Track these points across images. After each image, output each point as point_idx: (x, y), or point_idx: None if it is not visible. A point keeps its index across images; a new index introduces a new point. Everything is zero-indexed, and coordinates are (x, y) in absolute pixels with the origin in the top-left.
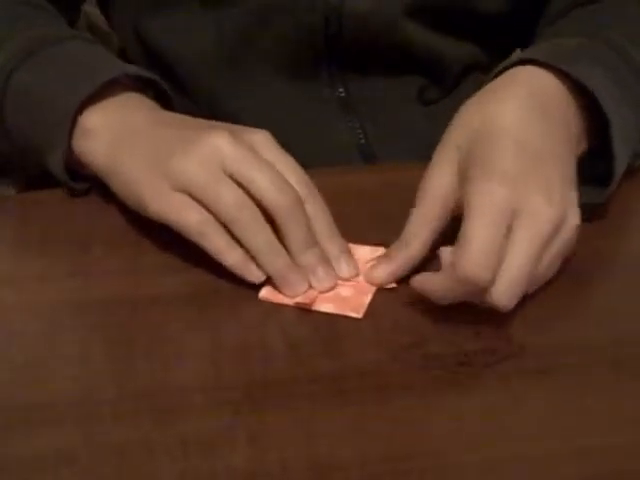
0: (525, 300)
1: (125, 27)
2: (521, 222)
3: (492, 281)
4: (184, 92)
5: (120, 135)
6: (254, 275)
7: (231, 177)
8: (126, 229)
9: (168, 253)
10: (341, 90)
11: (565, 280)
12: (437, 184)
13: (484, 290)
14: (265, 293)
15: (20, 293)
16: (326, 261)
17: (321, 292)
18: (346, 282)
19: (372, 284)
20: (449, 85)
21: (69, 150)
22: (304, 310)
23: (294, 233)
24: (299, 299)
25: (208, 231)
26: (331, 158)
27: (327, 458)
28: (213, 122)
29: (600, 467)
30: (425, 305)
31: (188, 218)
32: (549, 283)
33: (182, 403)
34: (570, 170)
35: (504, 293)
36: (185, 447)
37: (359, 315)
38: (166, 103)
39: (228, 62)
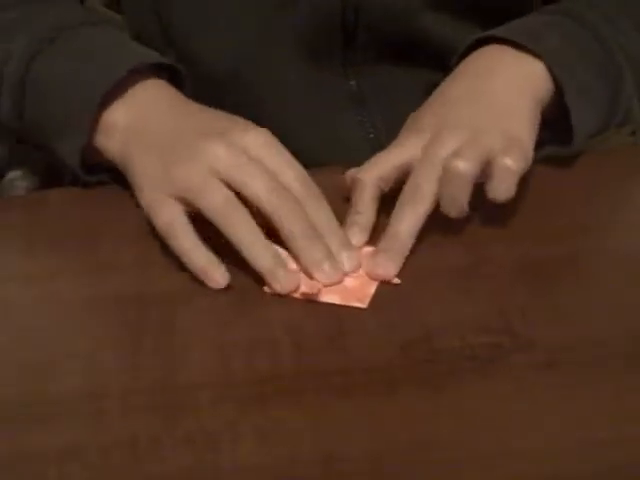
0: (533, 296)
1: (140, 11)
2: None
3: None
4: (202, 77)
5: (135, 135)
6: (214, 281)
7: (227, 185)
8: (134, 226)
9: None
10: (353, 82)
11: (573, 275)
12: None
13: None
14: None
15: (30, 290)
16: (331, 256)
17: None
18: (350, 275)
19: (375, 279)
20: None
21: (89, 144)
22: (310, 305)
23: (292, 230)
24: (304, 289)
25: (174, 231)
26: (341, 151)
27: (335, 453)
28: (219, 117)
29: (613, 460)
30: (430, 299)
31: (157, 217)
32: (557, 280)
33: (189, 399)
34: (517, 127)
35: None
36: (192, 442)
37: (364, 305)
38: (180, 84)
39: (247, 49)
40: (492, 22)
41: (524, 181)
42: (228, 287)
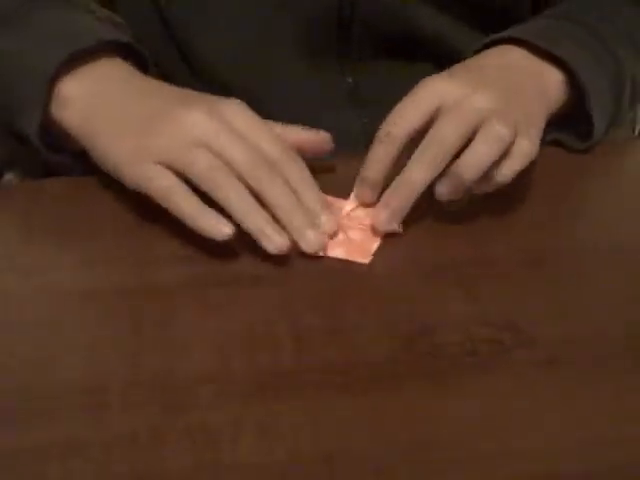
0: (535, 292)
1: (139, 11)
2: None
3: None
4: (202, 76)
5: (94, 105)
6: (223, 234)
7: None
8: (133, 218)
9: (175, 242)
10: (350, 79)
11: (576, 273)
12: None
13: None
14: None
15: (28, 282)
16: (312, 223)
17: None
18: (355, 225)
19: (377, 231)
20: None
21: (47, 118)
22: (312, 298)
23: (270, 193)
24: None
25: (175, 196)
26: (340, 149)
27: (337, 449)
28: (188, 92)
29: (613, 460)
30: (433, 293)
31: (152, 184)
32: (560, 276)
33: (190, 394)
34: (536, 112)
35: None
36: (193, 438)
37: (366, 261)
38: (145, 67)
39: (247, 49)
40: (488, 19)
41: (529, 176)
42: (229, 281)
